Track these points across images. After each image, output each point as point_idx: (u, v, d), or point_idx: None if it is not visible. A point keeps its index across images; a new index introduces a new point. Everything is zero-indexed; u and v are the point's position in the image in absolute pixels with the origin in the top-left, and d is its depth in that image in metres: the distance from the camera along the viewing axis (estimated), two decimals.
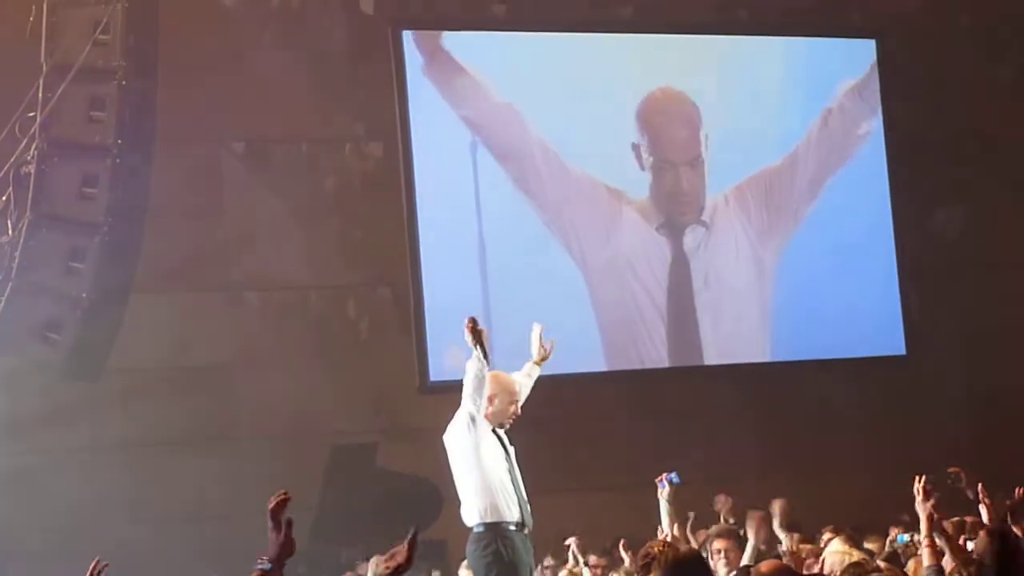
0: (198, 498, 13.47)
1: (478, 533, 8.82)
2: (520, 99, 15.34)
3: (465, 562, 10.67)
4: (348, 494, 13.30)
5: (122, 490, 13.36)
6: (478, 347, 8.64)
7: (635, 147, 15.61)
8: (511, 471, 9.08)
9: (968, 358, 16.39)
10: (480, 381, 8.73)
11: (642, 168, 15.61)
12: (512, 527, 8.80)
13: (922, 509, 7.97)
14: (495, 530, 8.42)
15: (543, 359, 9.58)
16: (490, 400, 9.06)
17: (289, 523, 5.50)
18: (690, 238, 15.72)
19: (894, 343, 16.30)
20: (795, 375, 15.93)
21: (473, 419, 8.87)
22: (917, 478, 8.02)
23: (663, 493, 10.18)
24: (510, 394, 9.17)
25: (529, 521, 8.99)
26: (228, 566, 9.79)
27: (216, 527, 11.85)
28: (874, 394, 16.19)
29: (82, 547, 12.90)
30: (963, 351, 16.46)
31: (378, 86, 15.10)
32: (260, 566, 5.49)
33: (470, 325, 8.70)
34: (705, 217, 15.77)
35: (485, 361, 8.70)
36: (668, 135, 15.80)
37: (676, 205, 15.72)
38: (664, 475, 10.19)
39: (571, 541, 10.99)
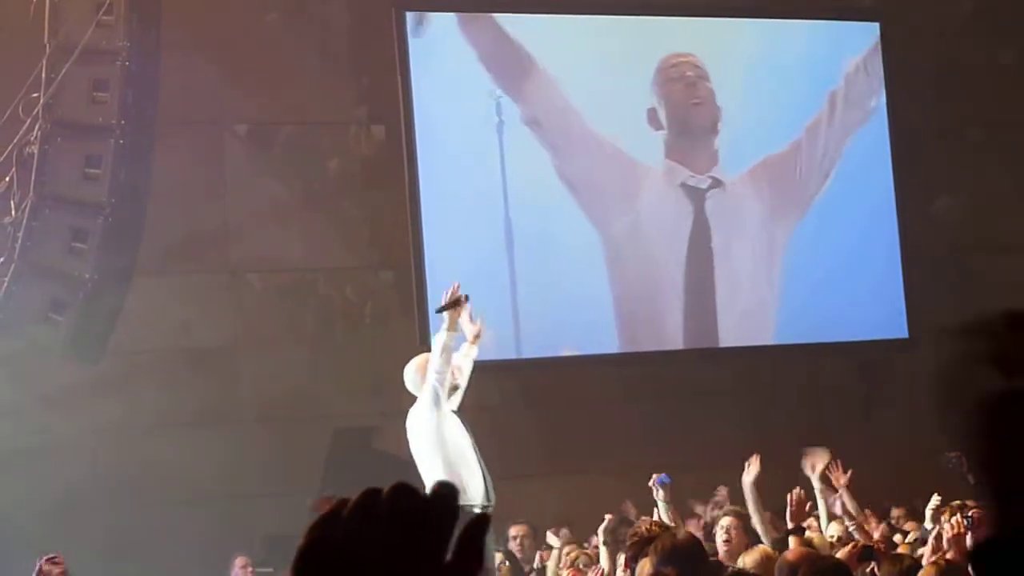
0: (199, 480, 13.48)
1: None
2: (530, 74, 15.34)
3: None
4: (349, 477, 13.30)
5: (123, 472, 13.38)
6: (447, 314, 8.78)
7: (651, 112, 15.60)
8: (475, 447, 9.21)
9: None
10: (447, 352, 8.83)
11: (658, 129, 15.59)
12: (477, 509, 8.88)
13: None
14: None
15: (476, 337, 9.72)
16: (422, 370, 9.28)
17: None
18: (710, 202, 15.71)
19: (897, 326, 16.30)
20: (797, 358, 15.95)
21: (438, 396, 8.97)
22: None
23: (659, 495, 10.23)
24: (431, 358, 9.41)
25: (493, 498, 9.07)
26: (230, 547, 9.82)
27: (217, 509, 11.86)
28: (877, 377, 16.21)
29: (82, 529, 12.97)
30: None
31: (381, 68, 15.09)
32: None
33: (454, 289, 8.83)
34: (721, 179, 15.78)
35: (450, 331, 8.82)
36: (683, 97, 15.78)
37: (694, 158, 15.71)
38: (655, 478, 10.24)
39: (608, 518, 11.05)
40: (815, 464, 10.66)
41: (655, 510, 10.31)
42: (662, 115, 15.65)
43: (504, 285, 15.06)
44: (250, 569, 12.09)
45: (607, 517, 11.09)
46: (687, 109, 15.79)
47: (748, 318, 15.86)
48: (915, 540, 10.04)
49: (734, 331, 15.86)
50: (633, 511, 11.45)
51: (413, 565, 1.74)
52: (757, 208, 15.90)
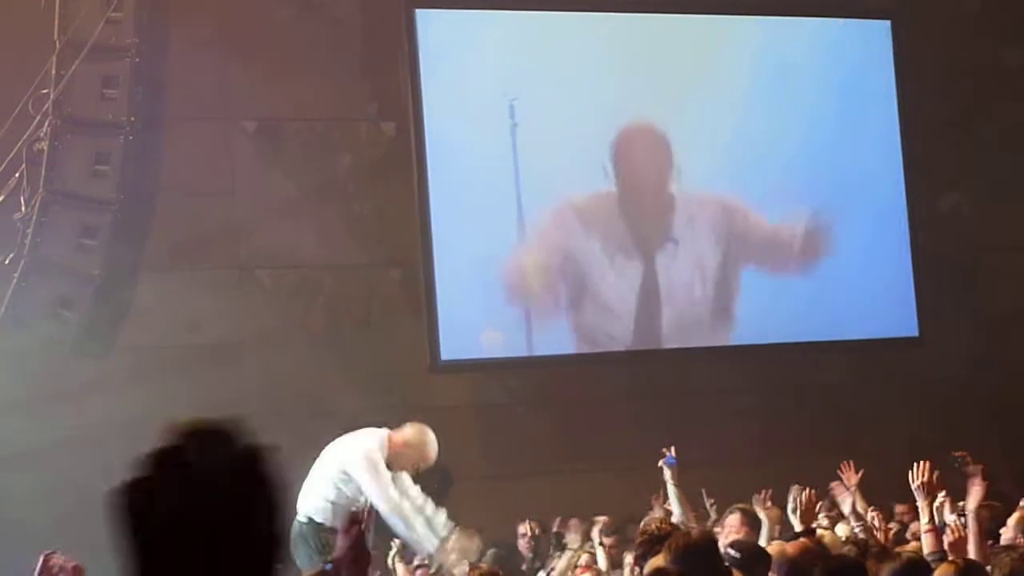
0: None
1: (300, 523, 9.16)
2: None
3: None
4: None
5: (132, 468, 13.35)
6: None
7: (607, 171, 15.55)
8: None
9: (982, 340, 16.38)
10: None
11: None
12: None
13: (920, 497, 7.96)
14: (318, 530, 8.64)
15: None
16: (406, 446, 9.36)
17: (361, 534, 5.58)
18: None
19: (907, 325, 16.26)
20: (806, 356, 15.93)
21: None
22: (918, 467, 8.02)
23: (667, 476, 10.26)
24: (424, 456, 9.51)
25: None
26: None
27: None
28: (886, 376, 16.18)
29: (91, 525, 12.96)
30: (976, 333, 16.45)
31: (391, 65, 15.09)
32: (326, 568, 5.56)
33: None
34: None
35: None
36: (638, 169, 15.70)
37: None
38: (664, 456, 10.29)
39: (600, 520, 11.06)
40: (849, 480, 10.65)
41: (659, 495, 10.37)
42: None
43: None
44: None
45: (601, 519, 11.13)
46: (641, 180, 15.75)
47: (765, 315, 15.82)
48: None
49: (749, 329, 15.83)
50: (657, 508, 11.43)
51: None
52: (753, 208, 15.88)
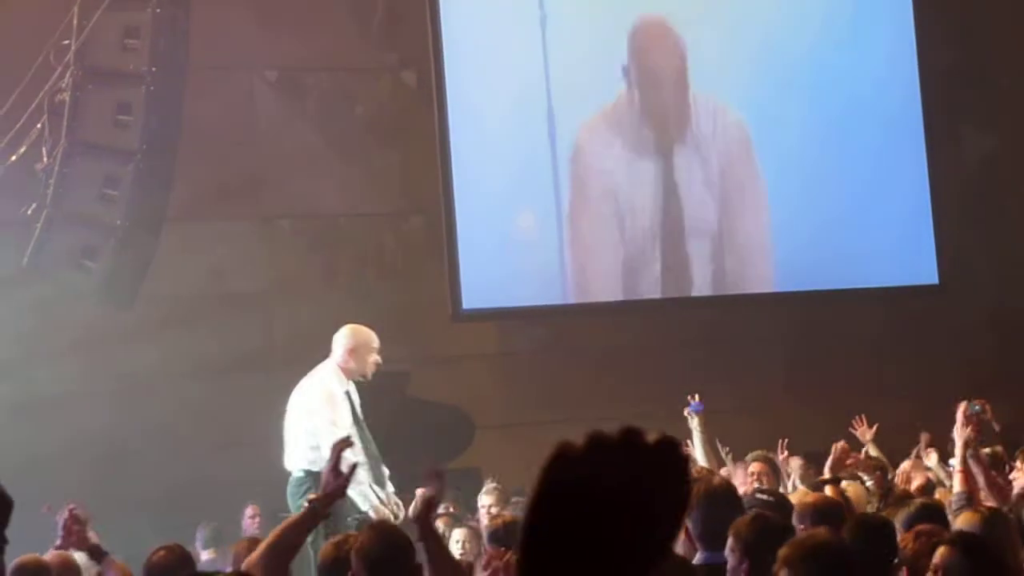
0: (232, 426, 13.54)
1: (299, 478, 9.15)
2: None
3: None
4: (380, 423, 13.36)
5: (157, 418, 13.45)
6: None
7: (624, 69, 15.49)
8: (359, 430, 9.33)
9: (1003, 287, 16.36)
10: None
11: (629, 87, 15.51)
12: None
13: (960, 435, 7.97)
14: (316, 478, 8.51)
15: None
16: (351, 353, 9.36)
17: (353, 467, 5.65)
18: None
19: (927, 272, 16.22)
20: (827, 304, 15.92)
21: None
22: (959, 403, 8.05)
23: (693, 423, 10.29)
24: (370, 348, 9.50)
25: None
26: (263, 494, 9.88)
27: (251, 455, 11.90)
28: (907, 323, 16.17)
29: (116, 475, 13.06)
30: (997, 280, 16.42)
31: (412, 15, 15.05)
32: (310, 503, 5.64)
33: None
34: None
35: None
36: (655, 62, 15.65)
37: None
38: (690, 404, 10.33)
39: None
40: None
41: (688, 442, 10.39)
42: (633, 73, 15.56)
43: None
44: (257, 519, 12.21)
45: None
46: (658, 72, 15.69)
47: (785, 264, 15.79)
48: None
49: (779, 276, 15.82)
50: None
51: (651, 499, 1.78)
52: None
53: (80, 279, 12.31)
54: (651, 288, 15.46)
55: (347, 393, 9.54)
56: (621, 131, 15.32)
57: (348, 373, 9.60)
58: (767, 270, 15.80)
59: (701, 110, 15.54)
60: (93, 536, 7.41)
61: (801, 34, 15.88)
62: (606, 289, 15.32)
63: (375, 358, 9.68)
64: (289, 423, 9.65)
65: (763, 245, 15.72)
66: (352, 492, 8.40)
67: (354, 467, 5.67)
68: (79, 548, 7.24)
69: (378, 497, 9.37)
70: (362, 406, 9.76)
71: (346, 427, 9.21)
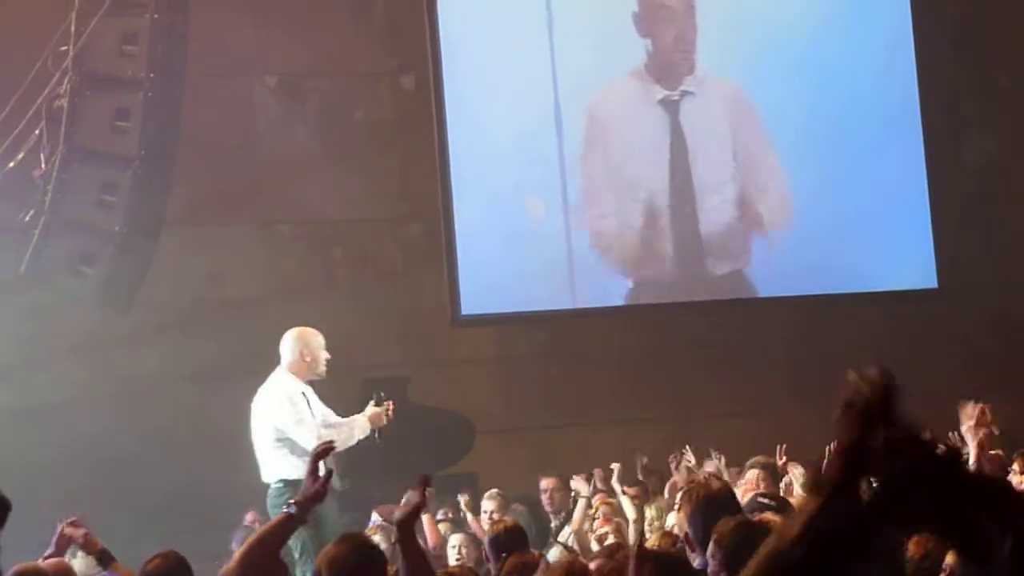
0: (231, 431, 13.51)
1: (278, 489, 9.16)
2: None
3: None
4: (382, 428, 13.39)
5: (155, 423, 13.44)
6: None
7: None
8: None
9: (1002, 291, 16.33)
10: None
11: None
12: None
13: (973, 435, 7.92)
14: (295, 487, 8.47)
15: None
16: (303, 354, 9.42)
17: (329, 473, 5.64)
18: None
19: (926, 276, 16.20)
20: (826, 308, 15.90)
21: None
22: (964, 405, 8.02)
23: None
24: (319, 345, 9.56)
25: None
26: (263, 500, 9.87)
27: (250, 460, 11.86)
28: (907, 327, 16.14)
29: (115, 480, 13.04)
30: (997, 283, 16.39)
31: (411, 20, 15.04)
32: (288, 509, 5.62)
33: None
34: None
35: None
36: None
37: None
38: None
39: (615, 467, 11.09)
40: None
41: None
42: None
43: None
44: (257, 525, 12.18)
45: (615, 467, 11.16)
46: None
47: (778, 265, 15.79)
48: None
49: (772, 280, 15.81)
50: (689, 456, 11.48)
51: None
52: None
53: (78, 285, 12.31)
54: (657, 291, 15.46)
55: (303, 394, 9.56)
56: (629, 130, 15.36)
57: (302, 375, 9.64)
58: (767, 270, 15.78)
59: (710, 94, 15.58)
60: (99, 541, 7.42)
61: (800, 35, 15.86)
62: (611, 290, 15.30)
63: (325, 354, 9.74)
64: (256, 435, 9.68)
65: (763, 245, 15.73)
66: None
67: (330, 473, 5.65)
68: (88, 553, 7.28)
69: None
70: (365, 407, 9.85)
71: (311, 424, 9.27)
